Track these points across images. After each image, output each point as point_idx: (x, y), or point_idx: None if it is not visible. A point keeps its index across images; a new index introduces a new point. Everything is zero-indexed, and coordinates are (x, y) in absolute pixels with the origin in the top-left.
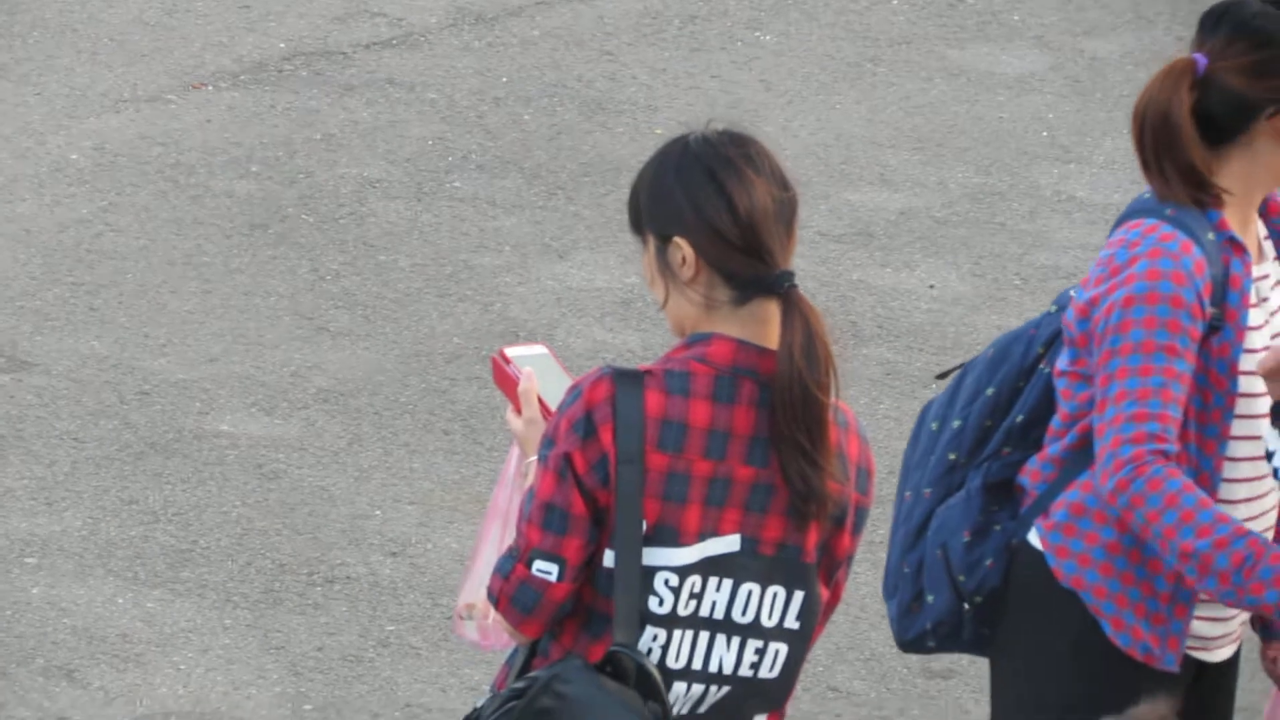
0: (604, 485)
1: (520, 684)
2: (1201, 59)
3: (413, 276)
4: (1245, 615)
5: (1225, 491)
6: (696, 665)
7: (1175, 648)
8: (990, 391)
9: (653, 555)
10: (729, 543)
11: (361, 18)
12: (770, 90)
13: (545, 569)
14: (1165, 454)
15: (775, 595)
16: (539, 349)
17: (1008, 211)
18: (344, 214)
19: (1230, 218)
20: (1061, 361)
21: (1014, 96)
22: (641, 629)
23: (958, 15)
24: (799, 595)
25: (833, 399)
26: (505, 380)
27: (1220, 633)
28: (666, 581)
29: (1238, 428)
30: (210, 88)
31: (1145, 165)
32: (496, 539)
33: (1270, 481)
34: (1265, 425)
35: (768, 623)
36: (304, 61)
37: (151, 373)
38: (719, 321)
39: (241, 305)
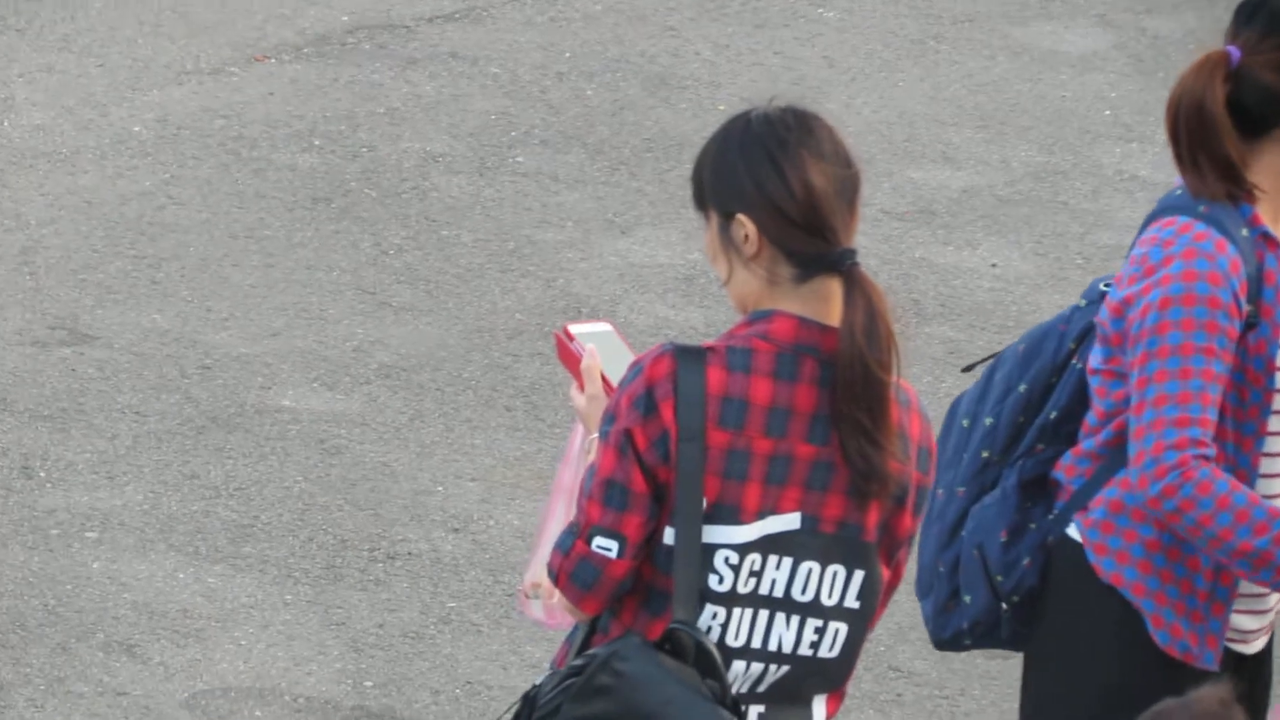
0: (664, 462)
1: (579, 661)
2: (1235, 52)
3: (475, 252)
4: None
5: (1262, 487)
6: (756, 644)
7: (1214, 646)
8: (1023, 389)
9: (712, 533)
10: (789, 521)
11: None
12: (833, 67)
13: (605, 545)
14: (1206, 457)
15: (835, 574)
16: (603, 326)
17: (1070, 190)
18: (406, 188)
19: (1263, 213)
20: (1095, 359)
21: (1077, 75)
22: (701, 607)
23: None
24: (859, 574)
25: (894, 377)
26: (569, 357)
27: (1259, 625)
28: (726, 559)
29: (1274, 424)
30: (273, 60)
31: (1179, 159)
32: (561, 517)
33: None
34: None
35: (827, 601)
36: (367, 35)
37: (213, 347)
38: (781, 299)
39: (304, 279)
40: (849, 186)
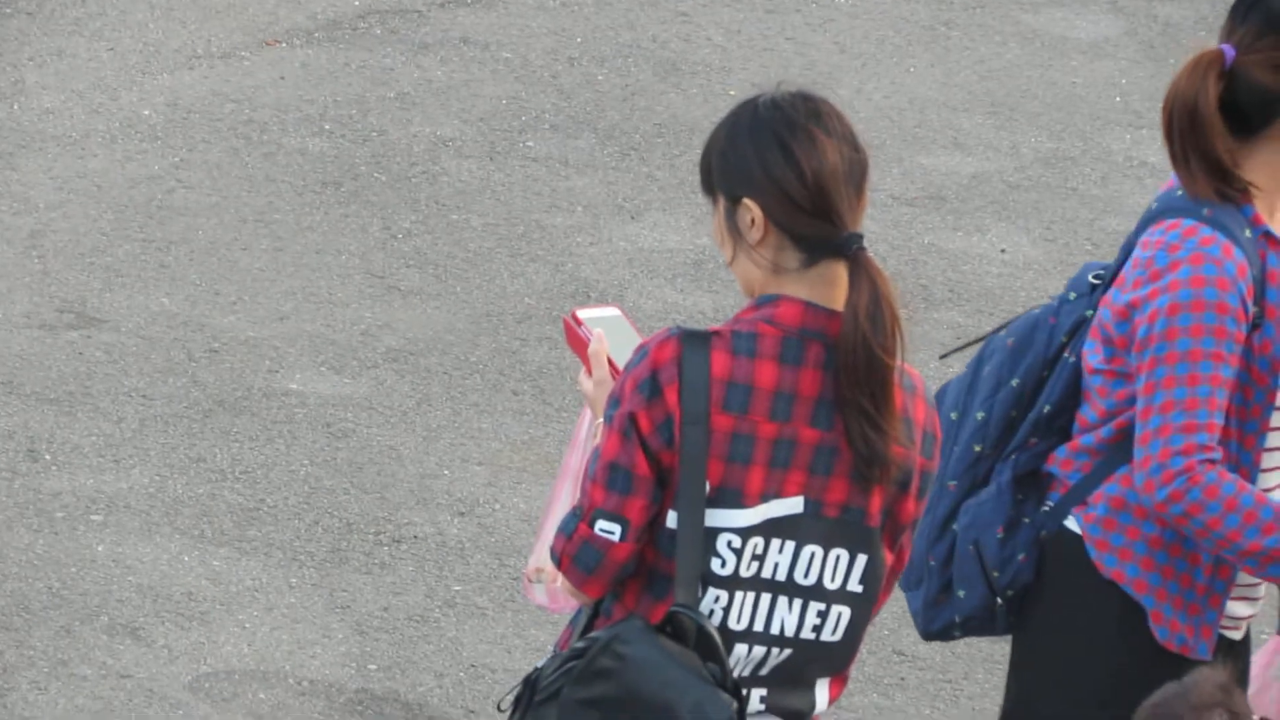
0: (668, 446)
1: (580, 644)
2: (1229, 50)
3: (484, 236)
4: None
5: (1261, 482)
6: (758, 627)
7: (1208, 636)
8: (1015, 383)
9: (715, 517)
10: (792, 504)
11: None
12: (844, 53)
13: (608, 529)
14: (1213, 461)
15: (838, 558)
16: (611, 310)
17: (1080, 176)
18: (416, 173)
19: (1260, 211)
20: (1096, 359)
21: (1087, 61)
22: (703, 590)
23: None
24: (862, 558)
25: (898, 362)
26: (577, 341)
27: (1251, 611)
28: (729, 543)
29: (1276, 419)
30: (284, 45)
31: (1174, 157)
32: (567, 501)
33: None
34: None
35: (830, 585)
36: (378, 19)
37: (221, 330)
38: (787, 283)
39: (313, 263)
40: (856, 171)
